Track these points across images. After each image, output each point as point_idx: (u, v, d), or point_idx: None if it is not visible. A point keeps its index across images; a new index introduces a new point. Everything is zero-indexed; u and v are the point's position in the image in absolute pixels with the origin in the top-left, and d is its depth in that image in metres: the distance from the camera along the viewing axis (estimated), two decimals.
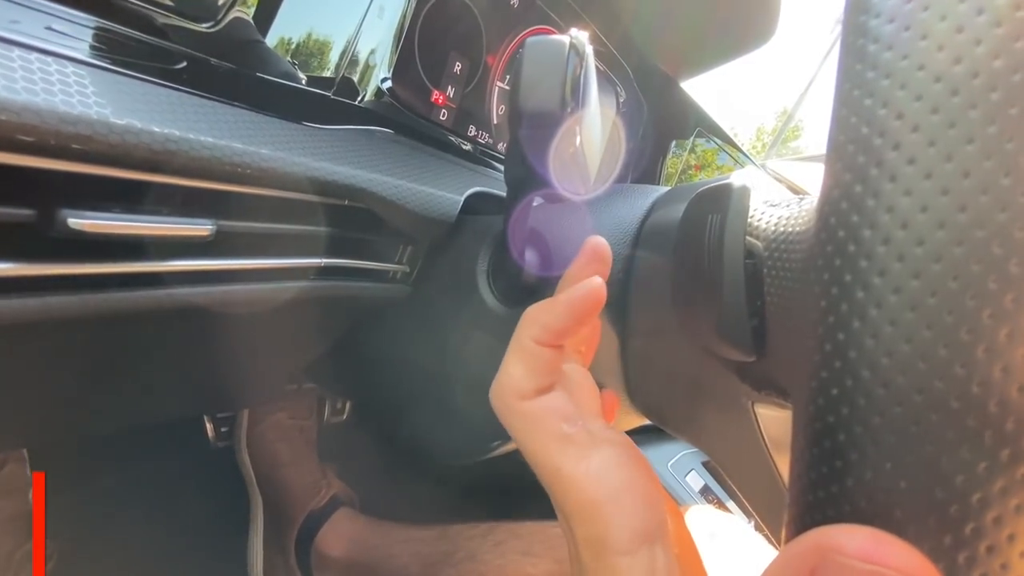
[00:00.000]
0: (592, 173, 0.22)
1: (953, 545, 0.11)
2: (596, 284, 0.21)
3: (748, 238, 0.20)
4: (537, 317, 0.21)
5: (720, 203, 0.21)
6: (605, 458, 0.20)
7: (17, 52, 0.16)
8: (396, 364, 0.41)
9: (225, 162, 0.22)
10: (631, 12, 0.53)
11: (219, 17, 0.23)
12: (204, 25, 0.23)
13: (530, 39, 0.19)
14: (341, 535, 0.76)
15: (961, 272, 0.11)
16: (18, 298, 0.18)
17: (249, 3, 0.26)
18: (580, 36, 0.19)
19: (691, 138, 0.75)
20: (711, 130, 0.76)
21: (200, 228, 0.22)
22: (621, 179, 0.66)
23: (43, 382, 0.32)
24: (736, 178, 0.22)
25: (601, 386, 0.26)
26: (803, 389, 0.14)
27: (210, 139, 0.21)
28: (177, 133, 0.20)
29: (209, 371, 0.42)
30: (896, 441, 0.12)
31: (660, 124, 0.68)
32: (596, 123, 0.21)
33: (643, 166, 0.70)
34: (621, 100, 0.62)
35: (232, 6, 0.24)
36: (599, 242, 0.24)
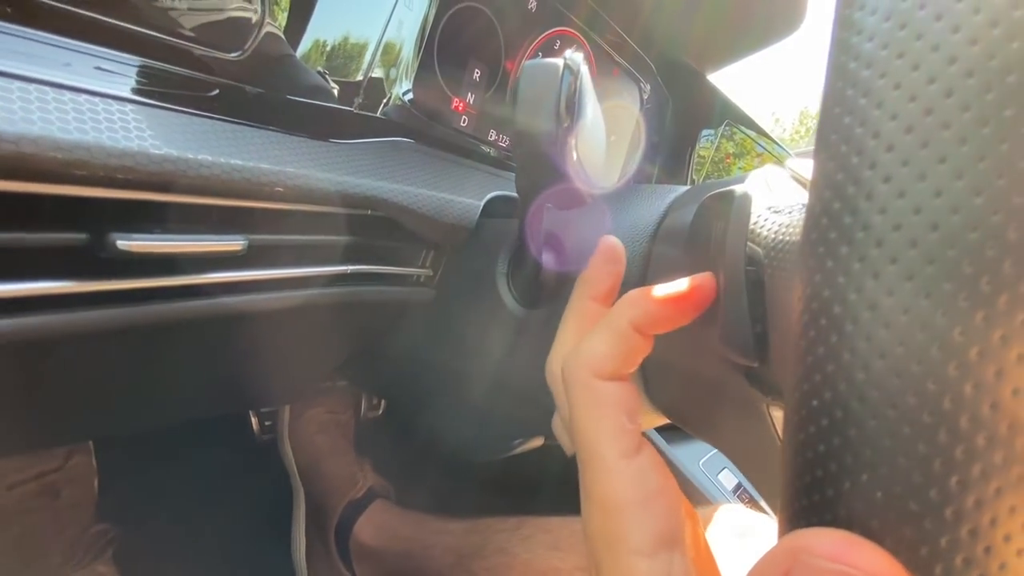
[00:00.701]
0: (595, 180, 0.23)
1: (929, 557, 0.11)
2: (709, 279, 0.21)
3: (750, 245, 0.20)
4: (640, 302, 0.21)
5: (724, 209, 0.22)
6: (646, 459, 0.20)
7: (68, 95, 0.18)
8: (421, 364, 0.43)
9: (253, 182, 0.23)
10: (652, 7, 0.53)
11: (246, 47, 0.25)
12: (233, 54, 0.25)
13: (526, 63, 0.20)
14: (377, 525, 0.79)
15: (932, 290, 0.11)
16: (76, 312, 0.20)
17: (282, 4, 0.28)
18: (575, 56, 0.19)
19: (720, 128, 0.74)
20: (741, 121, 0.74)
21: (233, 243, 0.24)
22: (647, 173, 0.66)
23: (104, 383, 0.35)
24: (740, 183, 0.22)
25: None
26: (791, 398, 0.14)
27: (239, 162, 0.23)
28: (209, 158, 0.22)
29: (248, 371, 0.44)
30: (872, 453, 0.12)
31: (687, 117, 0.67)
32: (597, 134, 0.21)
33: (670, 159, 0.70)
34: (645, 96, 0.62)
35: (257, 36, 0.25)
36: (613, 242, 0.24)
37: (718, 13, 0.53)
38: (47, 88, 0.18)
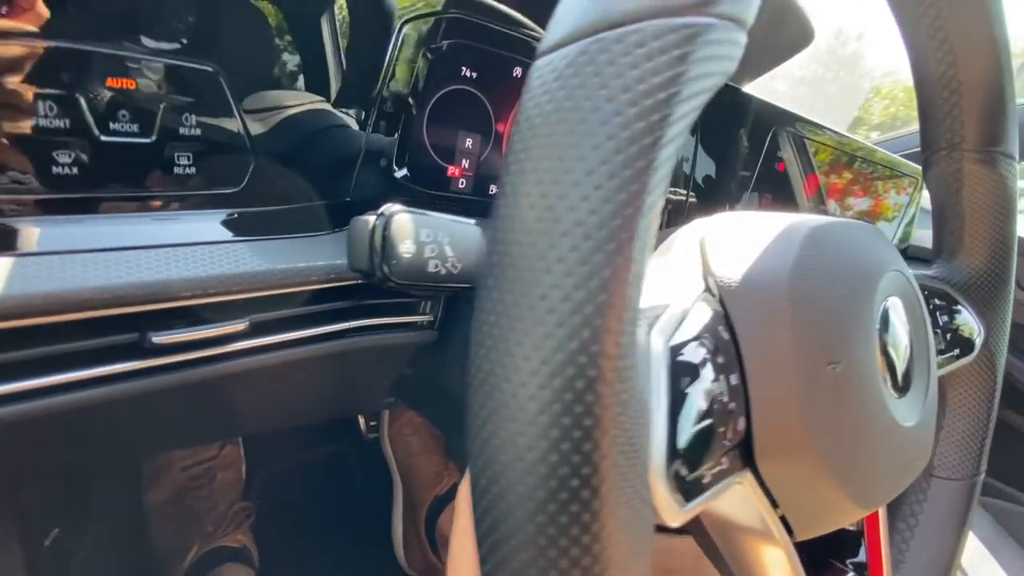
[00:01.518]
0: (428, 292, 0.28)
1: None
2: None
3: None
4: None
5: None
6: None
7: (113, 254, 0.29)
8: (435, 390, 0.51)
9: (248, 283, 0.33)
10: None
11: (242, 184, 0.35)
12: (232, 189, 0.35)
13: (353, 218, 0.26)
14: None
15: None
16: (135, 380, 0.32)
17: (266, 125, 0.37)
18: (390, 207, 0.25)
19: (787, 132, 0.69)
20: (802, 125, 0.69)
21: (238, 325, 0.34)
22: (678, 200, 0.66)
23: (242, 408, 0.48)
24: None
25: None
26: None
27: (240, 270, 0.33)
28: (217, 272, 0.32)
29: (323, 393, 0.56)
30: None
31: (723, 134, 0.65)
32: (421, 262, 0.27)
33: (710, 180, 0.68)
34: None
35: (250, 168, 0.35)
36: None
37: None
38: (99, 252, 0.29)
